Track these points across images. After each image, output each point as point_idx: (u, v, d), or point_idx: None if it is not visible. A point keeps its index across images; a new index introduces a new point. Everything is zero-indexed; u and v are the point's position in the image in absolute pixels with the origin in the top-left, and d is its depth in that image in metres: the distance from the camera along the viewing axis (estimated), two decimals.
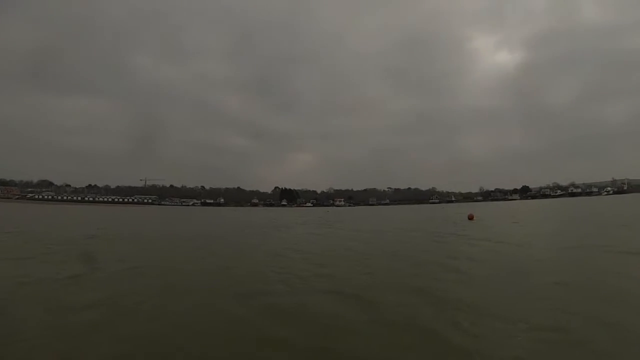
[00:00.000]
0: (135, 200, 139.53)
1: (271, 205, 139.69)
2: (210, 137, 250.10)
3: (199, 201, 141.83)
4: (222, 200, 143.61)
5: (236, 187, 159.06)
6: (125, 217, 39.82)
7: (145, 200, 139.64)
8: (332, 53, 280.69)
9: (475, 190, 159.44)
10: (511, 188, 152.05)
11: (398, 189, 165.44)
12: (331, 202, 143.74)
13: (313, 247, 12.74)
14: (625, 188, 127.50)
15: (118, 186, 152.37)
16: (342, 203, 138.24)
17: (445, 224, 22.73)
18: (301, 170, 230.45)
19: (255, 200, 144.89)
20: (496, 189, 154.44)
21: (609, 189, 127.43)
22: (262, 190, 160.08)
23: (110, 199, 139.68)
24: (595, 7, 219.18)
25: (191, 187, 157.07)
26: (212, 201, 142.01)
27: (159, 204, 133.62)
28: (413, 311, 5.11)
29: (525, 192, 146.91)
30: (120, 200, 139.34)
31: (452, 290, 6.14)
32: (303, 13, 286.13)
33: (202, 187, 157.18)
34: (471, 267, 8.18)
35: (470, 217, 26.72)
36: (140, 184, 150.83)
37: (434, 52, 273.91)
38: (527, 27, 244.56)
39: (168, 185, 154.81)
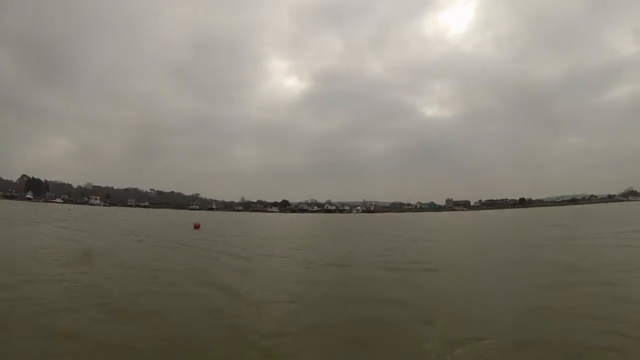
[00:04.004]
0: None
1: (13, 197, 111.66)
2: None
3: None
4: None
5: None
6: None
7: None
8: (125, 34, 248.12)
9: (237, 199, 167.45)
10: (272, 201, 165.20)
11: (161, 191, 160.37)
12: (86, 199, 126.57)
13: None
14: (372, 208, 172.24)
15: None
16: (98, 202, 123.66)
17: (174, 230, 26.32)
18: (59, 158, 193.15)
19: None
20: (258, 200, 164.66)
21: (359, 208, 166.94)
22: (5, 178, 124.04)
23: None
24: (380, 66, 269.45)
25: None
26: None
27: None
28: None
29: (285, 206, 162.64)
30: None
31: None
32: None
33: None
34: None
35: (196, 227, 27.76)
36: None
37: (229, 61, 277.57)
38: (319, 63, 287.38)
39: None
